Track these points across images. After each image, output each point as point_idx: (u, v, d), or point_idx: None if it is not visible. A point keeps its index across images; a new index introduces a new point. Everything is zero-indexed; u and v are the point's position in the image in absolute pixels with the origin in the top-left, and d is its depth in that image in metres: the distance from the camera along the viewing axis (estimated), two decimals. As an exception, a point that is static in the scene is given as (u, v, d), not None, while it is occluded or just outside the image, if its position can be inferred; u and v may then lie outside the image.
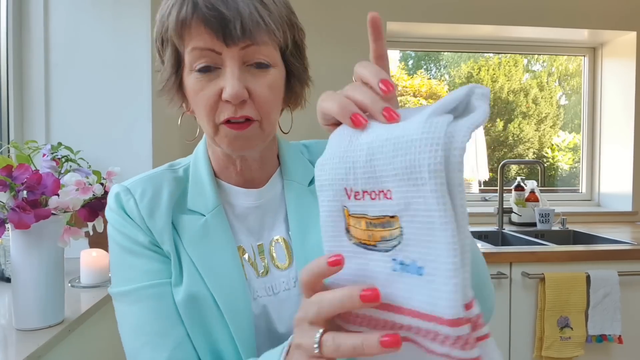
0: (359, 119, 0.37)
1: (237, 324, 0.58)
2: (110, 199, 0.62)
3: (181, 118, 0.65)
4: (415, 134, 0.32)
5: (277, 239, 0.66)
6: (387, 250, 0.36)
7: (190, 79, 0.56)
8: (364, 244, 0.37)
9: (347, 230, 0.38)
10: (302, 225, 0.66)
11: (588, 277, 1.66)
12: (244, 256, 0.64)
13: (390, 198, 0.35)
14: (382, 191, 0.35)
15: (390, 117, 0.36)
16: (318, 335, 0.37)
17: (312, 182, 0.68)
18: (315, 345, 0.37)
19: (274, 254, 0.66)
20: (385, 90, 0.38)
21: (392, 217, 0.35)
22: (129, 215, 0.61)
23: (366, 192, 0.37)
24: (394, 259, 0.35)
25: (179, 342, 0.57)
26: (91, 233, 1.16)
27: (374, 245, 0.36)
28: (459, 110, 0.34)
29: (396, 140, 0.34)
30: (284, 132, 0.67)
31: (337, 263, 0.37)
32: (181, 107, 0.63)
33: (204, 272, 0.59)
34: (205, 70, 0.55)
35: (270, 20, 0.55)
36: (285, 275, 0.65)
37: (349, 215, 0.38)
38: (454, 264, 0.31)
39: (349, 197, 0.38)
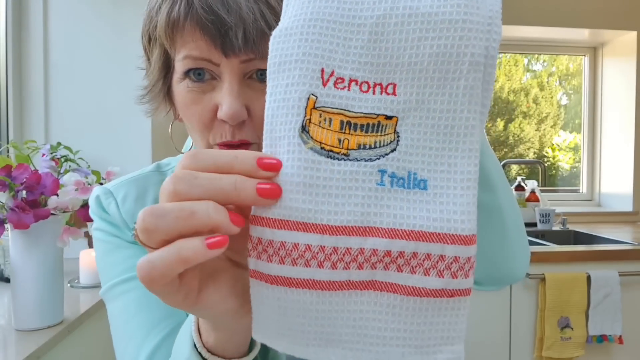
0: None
1: None
2: (91, 202, 0.59)
3: (172, 126, 0.59)
4: (454, 12, 0.25)
5: None
6: (369, 160, 0.27)
7: (180, 89, 0.48)
8: (328, 150, 0.27)
9: (303, 128, 0.27)
10: None
11: (589, 278, 1.66)
12: None
13: (392, 94, 0.27)
14: (381, 84, 0.27)
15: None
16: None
17: None
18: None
19: None
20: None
21: (389, 118, 0.27)
22: (108, 220, 0.58)
23: (355, 80, 0.27)
24: (381, 171, 0.27)
25: (171, 331, 0.52)
26: (90, 233, 1.16)
27: (345, 155, 0.27)
28: None
29: (424, 19, 0.26)
30: None
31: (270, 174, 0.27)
32: (170, 113, 0.57)
33: None
34: (198, 77, 0.46)
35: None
36: None
37: (314, 107, 0.27)
38: (474, 172, 0.26)
39: (324, 84, 0.27)
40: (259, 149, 0.46)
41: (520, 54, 3.12)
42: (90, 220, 0.94)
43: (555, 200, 2.70)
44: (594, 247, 1.83)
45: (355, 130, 0.27)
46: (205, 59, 0.45)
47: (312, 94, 0.27)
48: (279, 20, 0.36)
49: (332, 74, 0.27)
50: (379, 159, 0.27)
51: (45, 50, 1.38)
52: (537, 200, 2.38)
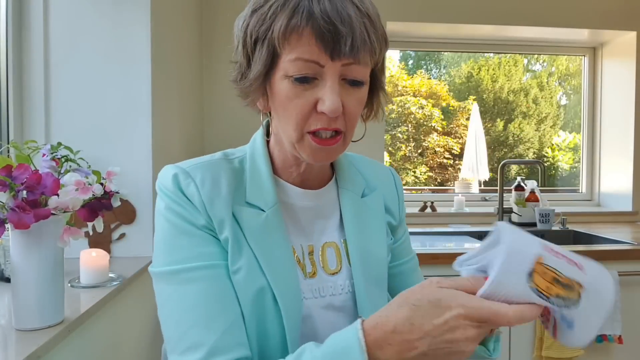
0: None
1: (289, 320, 0.59)
2: (165, 179, 0.62)
3: (262, 115, 0.66)
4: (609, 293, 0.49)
5: (329, 243, 0.67)
6: (559, 306, 0.46)
7: (284, 85, 0.56)
8: (540, 292, 0.45)
9: (529, 275, 0.45)
10: (358, 233, 0.68)
11: (588, 277, 1.66)
12: (294, 256, 0.65)
13: (583, 272, 0.47)
14: (577, 263, 0.48)
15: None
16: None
17: (364, 194, 0.71)
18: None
19: (326, 258, 0.66)
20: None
21: (580, 285, 0.46)
22: (188, 198, 0.60)
23: (565, 256, 0.47)
24: (561, 313, 0.47)
25: (229, 327, 0.56)
26: (91, 233, 1.16)
27: (547, 297, 0.45)
28: None
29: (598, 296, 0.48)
30: (353, 141, 0.67)
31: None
32: (257, 105, 0.63)
33: (265, 266, 0.59)
34: (302, 81, 0.54)
35: (375, 39, 0.55)
36: (333, 280, 0.66)
37: (540, 263, 0.45)
38: (600, 329, 0.47)
39: (547, 251, 0.46)
40: (344, 138, 0.59)
41: (519, 54, 3.12)
42: (91, 220, 0.94)
43: (554, 200, 2.70)
44: (593, 247, 1.83)
45: (557, 284, 0.45)
46: (314, 61, 0.53)
47: (539, 255, 0.46)
48: (376, 31, 0.55)
49: (551, 250, 0.47)
50: (564, 308, 0.46)
51: (46, 50, 1.38)
52: (537, 200, 2.38)
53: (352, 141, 0.64)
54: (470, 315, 0.44)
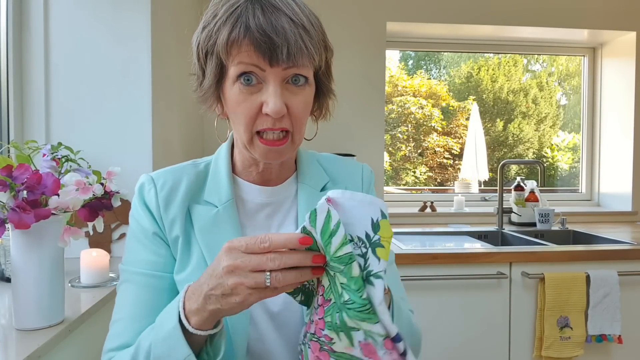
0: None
1: (235, 317, 0.62)
2: (136, 187, 0.70)
3: (217, 120, 0.72)
4: None
5: None
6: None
7: (233, 90, 0.61)
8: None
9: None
10: None
11: (588, 277, 1.67)
12: None
13: None
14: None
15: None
16: (268, 274, 0.48)
17: (323, 188, 0.75)
18: (267, 279, 0.48)
19: None
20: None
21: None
22: (146, 206, 0.67)
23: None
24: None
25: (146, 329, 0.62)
26: (91, 233, 1.16)
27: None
28: None
29: None
30: (306, 139, 0.72)
31: (305, 242, 0.48)
32: (215, 111, 0.69)
33: (210, 259, 0.64)
34: (247, 81, 0.60)
35: (311, 45, 0.60)
36: None
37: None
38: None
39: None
40: (292, 138, 0.64)
41: (519, 54, 3.12)
42: (91, 220, 0.94)
43: (554, 200, 2.70)
44: (593, 246, 1.83)
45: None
46: (254, 64, 0.59)
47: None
48: (312, 39, 0.60)
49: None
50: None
51: (46, 51, 1.38)
52: (537, 200, 2.38)
53: (306, 139, 0.69)
54: (232, 246, 0.50)
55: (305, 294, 0.56)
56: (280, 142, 0.62)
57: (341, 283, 0.48)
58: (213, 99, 0.65)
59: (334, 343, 0.50)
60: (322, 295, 0.51)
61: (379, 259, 0.47)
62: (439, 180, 7.90)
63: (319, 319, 0.51)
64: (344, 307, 0.47)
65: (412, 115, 7.98)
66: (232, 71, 0.60)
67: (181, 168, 0.71)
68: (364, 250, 0.48)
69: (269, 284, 0.48)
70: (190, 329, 0.53)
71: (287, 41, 0.57)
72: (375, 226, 0.48)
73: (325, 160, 0.79)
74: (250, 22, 0.57)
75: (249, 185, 0.71)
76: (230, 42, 0.58)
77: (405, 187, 6.97)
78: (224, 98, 0.65)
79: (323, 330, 0.50)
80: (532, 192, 2.40)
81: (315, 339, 0.52)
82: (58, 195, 0.83)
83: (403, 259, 1.63)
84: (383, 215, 0.48)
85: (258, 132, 0.62)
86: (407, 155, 8.12)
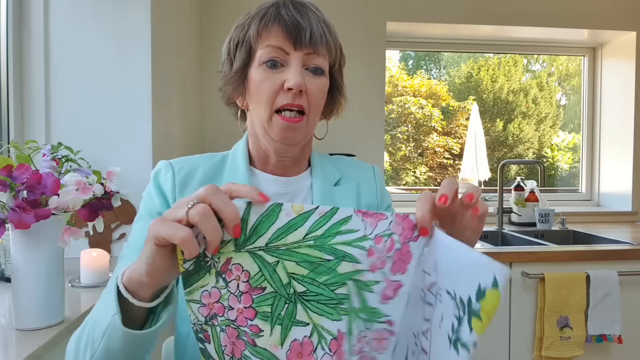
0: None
1: None
2: (152, 173, 0.73)
3: (239, 113, 0.77)
4: None
5: None
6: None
7: (258, 71, 0.68)
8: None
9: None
10: None
11: (588, 277, 1.67)
12: None
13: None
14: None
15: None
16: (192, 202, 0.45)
17: (337, 183, 0.79)
18: (190, 204, 0.44)
19: None
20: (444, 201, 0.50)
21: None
22: (160, 187, 0.71)
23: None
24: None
25: None
26: (91, 233, 1.16)
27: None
28: None
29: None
30: (318, 139, 0.78)
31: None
32: (236, 101, 0.75)
33: None
34: (272, 65, 0.67)
35: (330, 38, 0.70)
36: None
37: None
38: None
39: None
40: (307, 120, 0.69)
41: (519, 54, 3.12)
42: (91, 220, 0.94)
43: (554, 200, 2.70)
44: (593, 246, 1.83)
45: None
46: (280, 47, 0.67)
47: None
48: (331, 33, 0.71)
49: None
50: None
51: (46, 50, 1.38)
52: (537, 200, 2.38)
53: (318, 138, 0.76)
54: (200, 196, 0.45)
55: (197, 266, 0.47)
56: (297, 119, 0.68)
57: (296, 274, 0.46)
58: (238, 82, 0.71)
59: (261, 336, 0.47)
60: (247, 282, 0.47)
61: (470, 330, 0.41)
62: (439, 180, 7.90)
63: (245, 307, 0.48)
64: (300, 299, 0.46)
65: (412, 115, 7.99)
66: (259, 54, 0.68)
67: (198, 157, 0.76)
68: (461, 314, 0.42)
69: (184, 216, 0.44)
70: (124, 293, 0.50)
71: (311, 26, 0.67)
72: (480, 294, 0.42)
73: (337, 160, 0.85)
74: (282, 11, 0.67)
75: (265, 175, 0.75)
76: (262, 26, 0.67)
77: (405, 187, 6.97)
78: (247, 83, 0.71)
79: (251, 320, 0.47)
80: (532, 192, 2.40)
81: (235, 327, 0.48)
82: (58, 195, 0.83)
83: (403, 259, 1.63)
84: (495, 284, 0.40)
85: (277, 112, 0.68)
86: (407, 155, 8.12)
